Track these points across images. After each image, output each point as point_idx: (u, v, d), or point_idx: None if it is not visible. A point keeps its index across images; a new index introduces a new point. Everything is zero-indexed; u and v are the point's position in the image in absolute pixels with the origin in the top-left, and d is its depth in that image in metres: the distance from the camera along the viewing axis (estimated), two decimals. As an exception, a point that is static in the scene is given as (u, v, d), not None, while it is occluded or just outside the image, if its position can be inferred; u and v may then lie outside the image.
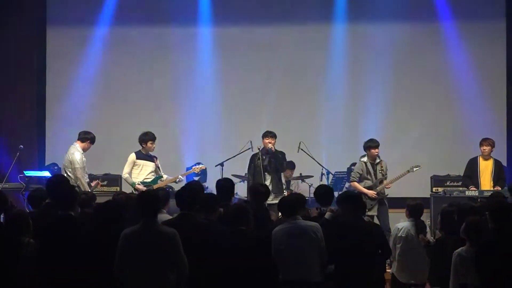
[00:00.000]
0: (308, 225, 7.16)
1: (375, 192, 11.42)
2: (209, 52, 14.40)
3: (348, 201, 7.42)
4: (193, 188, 7.36)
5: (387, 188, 11.61)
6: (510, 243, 6.66)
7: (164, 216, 7.46)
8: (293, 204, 7.33)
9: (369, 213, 11.01)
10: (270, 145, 11.61)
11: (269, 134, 11.73)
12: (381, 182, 11.54)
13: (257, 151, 11.73)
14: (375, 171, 11.58)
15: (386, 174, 11.64)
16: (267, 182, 11.45)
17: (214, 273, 6.78)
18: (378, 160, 11.63)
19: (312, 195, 12.21)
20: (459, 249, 6.92)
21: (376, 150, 11.55)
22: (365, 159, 11.65)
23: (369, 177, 11.56)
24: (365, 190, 11.37)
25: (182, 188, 7.37)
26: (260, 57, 14.34)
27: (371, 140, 11.65)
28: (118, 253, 6.43)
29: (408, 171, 11.68)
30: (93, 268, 6.56)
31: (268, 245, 7.00)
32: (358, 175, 11.60)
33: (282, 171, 11.87)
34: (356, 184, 11.57)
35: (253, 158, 11.74)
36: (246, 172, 12.25)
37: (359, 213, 7.56)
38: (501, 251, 6.60)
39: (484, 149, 11.78)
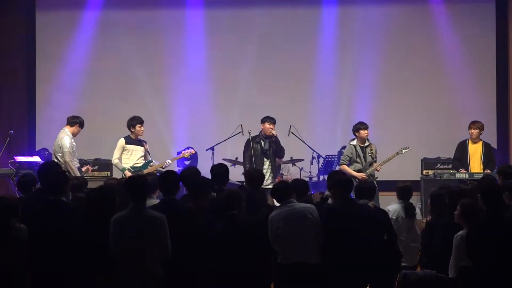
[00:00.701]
0: (303, 207, 7.14)
1: (365, 175, 11.45)
2: (199, 35, 14.35)
3: (338, 186, 7.40)
4: (174, 174, 7.28)
5: (377, 171, 11.64)
6: (502, 225, 6.72)
7: (153, 202, 7.45)
8: (286, 188, 7.31)
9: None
10: (274, 132, 11.68)
11: (271, 120, 11.81)
12: (370, 165, 11.57)
13: (248, 135, 11.77)
14: (364, 154, 11.61)
15: (376, 157, 11.67)
16: (265, 166, 11.60)
17: (208, 258, 6.81)
18: (367, 143, 11.67)
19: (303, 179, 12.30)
20: (461, 232, 6.95)
21: (366, 131, 11.58)
22: (354, 142, 11.69)
23: (358, 160, 11.59)
24: (355, 173, 11.40)
25: (165, 173, 7.37)
26: (250, 40, 14.29)
27: (360, 123, 11.69)
28: (111, 237, 6.49)
29: (397, 153, 11.70)
30: (85, 253, 6.57)
31: (264, 229, 6.99)
32: (348, 158, 11.63)
33: (281, 157, 11.94)
34: (345, 167, 11.59)
35: (249, 142, 11.76)
36: (237, 157, 12.28)
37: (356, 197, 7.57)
38: (493, 233, 6.65)
39: (472, 132, 11.80)
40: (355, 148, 11.62)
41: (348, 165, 11.60)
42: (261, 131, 11.84)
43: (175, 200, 7.02)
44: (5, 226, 6.65)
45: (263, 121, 11.83)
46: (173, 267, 6.64)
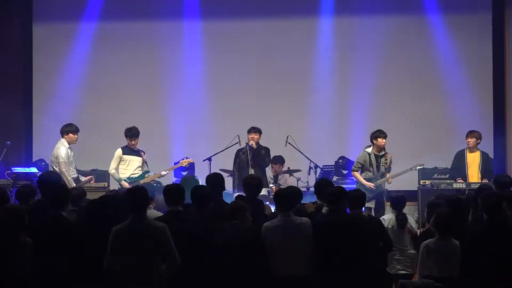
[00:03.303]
0: (298, 219, 7.09)
1: (373, 185, 11.41)
2: (197, 46, 14.37)
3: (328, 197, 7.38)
4: (178, 185, 7.28)
5: (388, 183, 11.60)
6: (501, 233, 6.78)
7: (151, 212, 7.43)
8: (291, 197, 7.24)
9: (367, 205, 10.98)
10: (252, 142, 11.69)
11: (252, 130, 11.82)
12: (382, 176, 11.53)
13: (244, 145, 11.81)
14: (378, 163, 11.55)
15: (390, 167, 11.63)
16: None
17: (205, 268, 6.80)
18: (383, 152, 11.63)
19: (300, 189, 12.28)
20: (427, 241, 7.02)
21: (384, 140, 11.54)
22: (369, 149, 11.63)
23: (371, 169, 11.54)
24: (364, 181, 11.39)
25: (172, 184, 7.36)
26: (247, 50, 14.31)
27: (379, 130, 11.64)
28: (109, 249, 6.43)
29: (411, 169, 11.74)
30: (87, 265, 6.57)
31: (258, 239, 6.95)
32: (360, 166, 11.60)
33: (265, 166, 11.95)
34: (356, 174, 11.60)
35: (238, 153, 11.89)
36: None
37: (354, 208, 7.52)
38: (492, 242, 6.72)
39: (468, 141, 11.87)
40: (369, 156, 11.57)
41: (359, 172, 11.59)
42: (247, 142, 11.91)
43: (180, 211, 6.97)
44: (15, 240, 6.62)
45: (247, 132, 11.90)
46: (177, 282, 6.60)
